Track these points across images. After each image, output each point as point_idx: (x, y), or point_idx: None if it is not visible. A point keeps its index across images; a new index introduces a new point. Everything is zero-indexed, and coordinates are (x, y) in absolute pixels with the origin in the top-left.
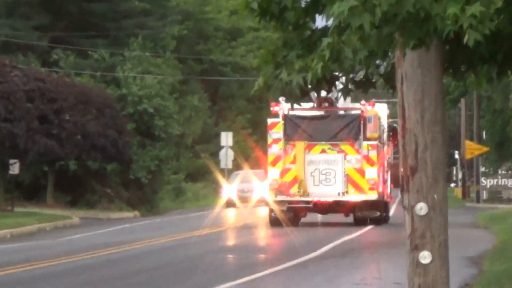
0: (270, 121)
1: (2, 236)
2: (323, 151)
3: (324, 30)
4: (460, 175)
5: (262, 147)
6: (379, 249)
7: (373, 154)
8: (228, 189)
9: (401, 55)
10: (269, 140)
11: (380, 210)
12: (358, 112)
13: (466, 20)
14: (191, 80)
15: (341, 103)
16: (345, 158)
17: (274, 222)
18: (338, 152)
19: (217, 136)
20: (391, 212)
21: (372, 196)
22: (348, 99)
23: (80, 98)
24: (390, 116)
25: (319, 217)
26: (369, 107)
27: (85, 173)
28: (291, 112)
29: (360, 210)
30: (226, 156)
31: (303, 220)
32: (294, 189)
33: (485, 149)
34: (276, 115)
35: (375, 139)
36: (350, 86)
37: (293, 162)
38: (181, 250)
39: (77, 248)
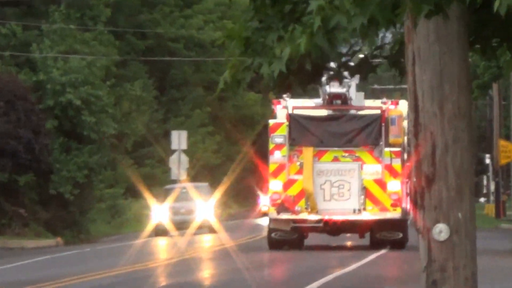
0: (271, 122)
1: None
2: (336, 159)
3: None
4: (492, 187)
5: (228, 151)
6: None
7: (396, 164)
8: (158, 210)
9: (411, 26)
10: (271, 146)
11: (403, 231)
12: (379, 112)
13: None
14: (131, 61)
15: (357, 100)
16: (362, 168)
17: (275, 244)
18: (354, 160)
19: (167, 136)
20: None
21: (395, 214)
22: (361, 94)
23: None
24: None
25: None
26: (391, 106)
27: None
28: (297, 112)
29: (379, 231)
30: (179, 163)
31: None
32: (300, 205)
33: None
34: (279, 114)
35: (399, 145)
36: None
37: (299, 172)
38: None
39: None
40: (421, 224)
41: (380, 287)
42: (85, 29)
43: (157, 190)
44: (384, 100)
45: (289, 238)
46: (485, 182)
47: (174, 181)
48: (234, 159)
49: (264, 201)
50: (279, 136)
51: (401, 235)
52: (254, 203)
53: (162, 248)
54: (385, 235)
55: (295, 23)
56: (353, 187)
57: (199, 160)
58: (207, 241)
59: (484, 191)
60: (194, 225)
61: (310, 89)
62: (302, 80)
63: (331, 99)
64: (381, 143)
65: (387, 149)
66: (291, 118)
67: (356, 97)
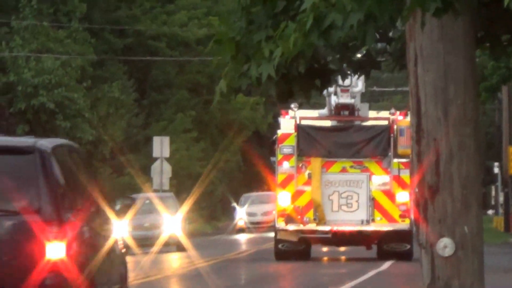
0: (280, 132)
1: None
2: (344, 169)
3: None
4: (501, 198)
5: (213, 158)
6: None
7: (405, 174)
8: (117, 225)
9: (414, 22)
10: (279, 156)
11: (410, 243)
12: (387, 123)
13: None
14: (109, 61)
15: (362, 111)
16: (370, 179)
17: (281, 255)
18: (362, 171)
19: (148, 142)
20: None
21: (404, 225)
22: (366, 105)
23: None
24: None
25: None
26: (400, 117)
27: None
28: (305, 122)
29: (387, 243)
30: (161, 172)
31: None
32: (309, 216)
33: None
34: (286, 125)
35: (408, 156)
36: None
37: (308, 183)
38: None
39: None
40: (424, 239)
41: None
42: (58, 26)
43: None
44: (393, 111)
45: (296, 249)
46: (493, 193)
47: (157, 191)
48: (221, 167)
49: (240, 215)
50: (287, 147)
51: (408, 246)
52: (229, 216)
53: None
54: (392, 246)
55: (288, 21)
56: (361, 198)
57: (183, 169)
58: (174, 260)
59: (493, 202)
60: (160, 242)
61: (313, 98)
62: (303, 86)
63: (339, 109)
64: (389, 154)
65: (395, 160)
66: (299, 128)
67: (361, 107)
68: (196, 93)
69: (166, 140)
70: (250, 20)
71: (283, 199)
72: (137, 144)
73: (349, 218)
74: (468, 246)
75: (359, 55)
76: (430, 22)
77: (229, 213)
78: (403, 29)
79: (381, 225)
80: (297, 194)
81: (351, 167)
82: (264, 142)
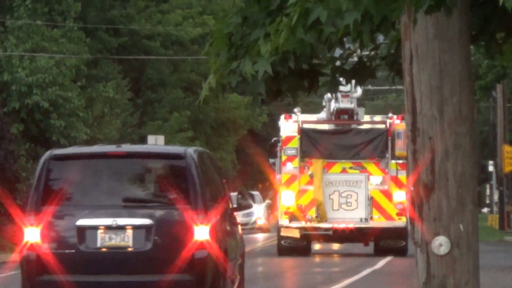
0: (284, 135)
1: None
2: (344, 170)
3: None
4: (496, 196)
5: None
6: None
7: (402, 175)
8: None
9: (409, 21)
10: (283, 158)
11: (406, 240)
12: (384, 126)
13: None
14: (104, 60)
15: (361, 115)
16: (369, 179)
17: (284, 251)
18: (361, 172)
19: (143, 141)
20: None
21: (400, 223)
22: (362, 110)
23: None
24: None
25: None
26: (397, 121)
27: None
28: (307, 126)
29: (384, 239)
30: None
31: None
32: (311, 214)
33: None
34: (287, 128)
35: (405, 158)
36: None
37: (310, 182)
38: None
39: None
40: (419, 237)
41: None
42: (53, 25)
43: None
44: (390, 115)
45: (298, 245)
46: (488, 191)
47: None
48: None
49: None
50: (291, 149)
51: (404, 243)
52: None
53: None
54: (389, 243)
55: (282, 17)
56: (360, 197)
57: None
58: None
59: (487, 201)
60: None
61: (307, 103)
62: (291, 85)
63: (339, 114)
64: (387, 155)
65: (393, 161)
66: (302, 132)
67: (358, 111)
68: (190, 92)
69: (160, 139)
70: (245, 17)
71: (287, 197)
72: (132, 143)
73: (348, 216)
74: (463, 244)
75: (351, 60)
76: (425, 21)
77: None
78: (393, 34)
79: (379, 223)
80: (300, 193)
81: (351, 168)
82: (259, 140)
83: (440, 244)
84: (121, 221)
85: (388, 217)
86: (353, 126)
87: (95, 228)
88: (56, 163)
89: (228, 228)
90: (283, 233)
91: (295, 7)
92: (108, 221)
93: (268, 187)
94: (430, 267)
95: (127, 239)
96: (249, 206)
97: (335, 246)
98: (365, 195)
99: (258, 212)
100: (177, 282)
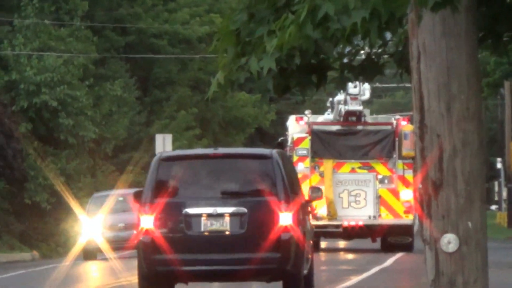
0: (296, 136)
1: None
2: (353, 170)
3: None
4: (504, 193)
5: None
6: None
7: (409, 174)
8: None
9: (416, 19)
10: (295, 158)
11: (412, 236)
12: (391, 127)
13: None
14: (111, 59)
15: (368, 116)
16: (377, 178)
17: None
18: (369, 171)
19: (151, 140)
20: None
21: (407, 220)
22: (367, 111)
23: None
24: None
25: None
26: (404, 122)
27: None
28: (317, 127)
29: (392, 236)
30: None
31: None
32: (322, 212)
33: None
34: (296, 129)
35: (412, 158)
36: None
37: (321, 181)
38: None
39: None
40: (428, 234)
41: None
42: (60, 24)
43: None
44: (397, 116)
45: None
46: (496, 188)
47: None
48: None
49: (87, 230)
50: (302, 149)
51: (410, 239)
52: None
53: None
54: (396, 239)
55: (288, 14)
56: (368, 195)
57: None
58: None
59: (496, 198)
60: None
61: (316, 101)
62: (299, 81)
63: (347, 115)
64: (394, 155)
65: (400, 161)
66: (313, 133)
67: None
68: (198, 91)
69: (168, 137)
70: (251, 14)
71: None
72: (139, 141)
73: (357, 214)
74: (472, 241)
75: (359, 57)
76: (432, 19)
77: None
78: (400, 31)
79: (386, 220)
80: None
81: (359, 167)
82: (267, 138)
83: (449, 242)
84: (220, 209)
85: (396, 214)
86: (361, 127)
87: (199, 215)
88: (165, 164)
89: (305, 216)
90: None
91: (303, 4)
92: (210, 210)
93: None
94: (439, 265)
95: (225, 225)
96: (320, 197)
97: (341, 243)
98: (374, 193)
99: None
100: (267, 259)
